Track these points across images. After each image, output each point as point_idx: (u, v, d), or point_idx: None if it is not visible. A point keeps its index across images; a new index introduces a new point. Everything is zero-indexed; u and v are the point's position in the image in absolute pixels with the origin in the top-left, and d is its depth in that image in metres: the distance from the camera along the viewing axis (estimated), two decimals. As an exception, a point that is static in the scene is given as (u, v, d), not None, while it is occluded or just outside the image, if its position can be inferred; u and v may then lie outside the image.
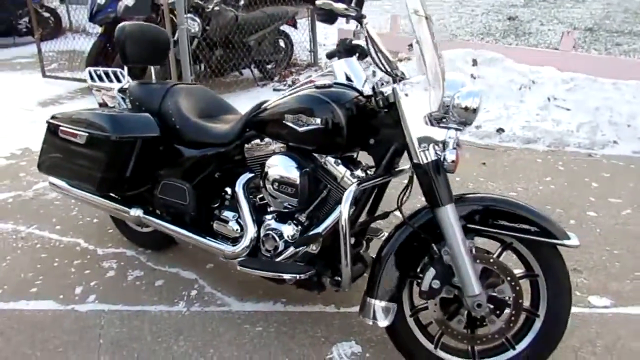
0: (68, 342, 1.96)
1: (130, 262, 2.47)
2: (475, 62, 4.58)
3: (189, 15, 5.03)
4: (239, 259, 1.92)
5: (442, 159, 1.51)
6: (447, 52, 4.67)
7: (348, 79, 1.81)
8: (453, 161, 1.48)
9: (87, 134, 2.06)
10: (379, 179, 1.71)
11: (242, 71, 6.06)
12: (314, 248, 1.81)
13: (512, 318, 1.62)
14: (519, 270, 1.67)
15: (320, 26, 6.56)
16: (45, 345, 1.94)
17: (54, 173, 2.35)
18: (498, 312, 1.62)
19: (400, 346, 1.74)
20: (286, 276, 1.80)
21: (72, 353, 1.90)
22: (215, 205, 2.13)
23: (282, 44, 6.31)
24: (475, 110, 1.50)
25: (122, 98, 2.33)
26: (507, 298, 1.62)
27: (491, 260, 1.62)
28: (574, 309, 1.67)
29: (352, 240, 1.86)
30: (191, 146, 2.11)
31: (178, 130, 2.12)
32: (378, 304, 1.65)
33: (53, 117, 2.23)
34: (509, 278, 1.61)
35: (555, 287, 1.63)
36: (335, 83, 1.80)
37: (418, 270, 1.69)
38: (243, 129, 1.99)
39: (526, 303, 1.65)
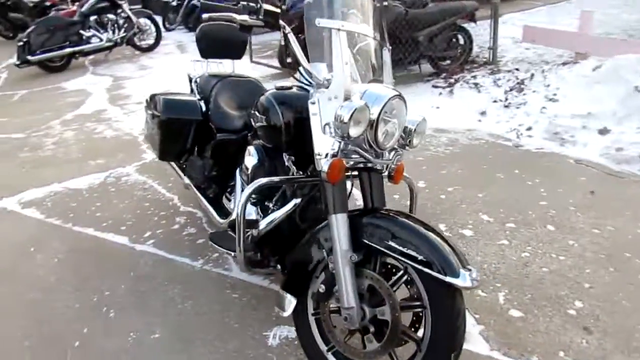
0: (108, 270, 2.56)
1: (194, 221, 3.00)
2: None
3: (354, 11, 5.33)
4: (211, 232, 2.22)
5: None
6: (615, 58, 3.93)
7: None
8: (325, 172, 1.50)
9: (151, 113, 2.63)
10: (279, 179, 1.84)
11: (419, 66, 6.11)
12: (255, 233, 1.99)
13: (389, 343, 1.54)
14: (405, 297, 1.57)
15: (503, 24, 6.09)
16: (93, 269, 2.59)
17: (148, 141, 3.01)
18: (379, 333, 1.57)
19: (300, 339, 1.80)
20: (231, 252, 2.03)
21: (103, 279, 2.49)
22: (231, 184, 2.46)
23: (460, 40, 6.10)
24: (348, 124, 1.46)
25: (196, 86, 2.83)
26: (386, 320, 1.55)
27: (377, 279, 1.56)
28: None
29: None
30: (217, 131, 2.47)
31: (209, 116, 2.50)
32: (283, 295, 1.76)
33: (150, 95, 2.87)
34: (390, 301, 1.53)
35: (441, 324, 1.48)
36: (298, 86, 1.91)
37: (316, 273, 1.72)
38: (247, 120, 2.26)
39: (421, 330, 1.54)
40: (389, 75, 1.86)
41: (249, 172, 1.99)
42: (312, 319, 1.76)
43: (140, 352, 1.99)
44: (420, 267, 1.45)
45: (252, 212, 2.08)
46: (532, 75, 4.68)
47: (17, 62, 7.76)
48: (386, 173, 1.76)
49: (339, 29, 1.58)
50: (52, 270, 2.60)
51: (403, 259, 1.49)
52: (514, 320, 2.00)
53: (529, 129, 3.98)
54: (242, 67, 2.49)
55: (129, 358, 1.96)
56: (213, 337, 2.03)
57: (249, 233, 2.03)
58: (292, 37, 1.74)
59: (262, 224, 1.95)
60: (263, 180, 1.76)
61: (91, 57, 8.85)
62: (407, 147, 1.78)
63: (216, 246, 2.12)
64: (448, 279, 1.40)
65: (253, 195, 2.11)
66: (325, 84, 1.61)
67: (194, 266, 2.55)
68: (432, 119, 4.46)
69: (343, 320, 1.57)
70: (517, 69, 5.15)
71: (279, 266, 1.97)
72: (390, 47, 1.89)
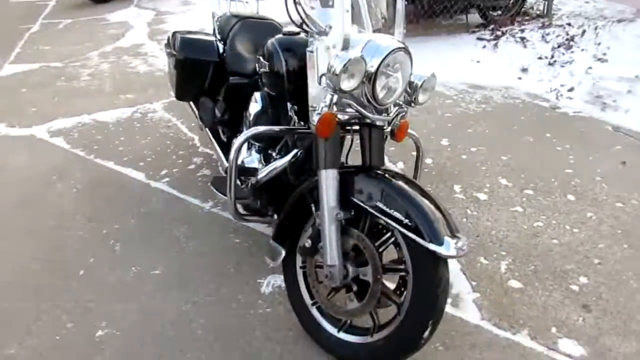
0: (121, 205, 2.63)
1: (209, 163, 3.01)
2: None
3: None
4: (214, 176, 2.22)
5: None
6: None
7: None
8: (314, 125, 1.44)
9: (168, 51, 2.60)
10: (277, 128, 1.79)
11: (466, 16, 5.77)
12: (253, 181, 1.97)
13: (368, 304, 1.53)
14: (393, 260, 1.53)
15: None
16: (107, 202, 2.67)
17: (169, 80, 3.00)
18: (360, 292, 1.56)
19: (287, 291, 1.82)
20: (224, 196, 2.03)
21: (115, 212, 2.57)
22: (241, 129, 2.44)
23: (514, -12, 5.68)
24: (340, 76, 1.38)
25: (217, 25, 2.75)
26: (368, 281, 1.53)
27: (362, 239, 1.53)
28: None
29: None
30: (230, 74, 2.42)
31: (224, 57, 2.45)
32: (273, 245, 1.76)
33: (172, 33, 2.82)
34: (373, 263, 1.51)
35: (421, 291, 1.45)
36: (305, 31, 1.82)
37: (305, 227, 1.70)
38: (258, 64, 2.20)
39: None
40: (400, 26, 1.74)
41: (251, 118, 1.95)
42: (299, 272, 1.76)
43: (139, 286, 2.06)
44: (404, 230, 1.40)
45: (254, 160, 2.06)
46: (584, 31, 4.34)
47: (64, -10, 7.84)
48: (389, 129, 1.68)
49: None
50: (70, 199, 2.70)
51: (389, 221, 1.44)
52: (511, 291, 1.94)
53: (571, 89, 3.73)
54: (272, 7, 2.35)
55: (127, 291, 2.04)
56: (209, 279, 2.07)
57: (249, 181, 2.02)
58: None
59: (262, 173, 1.92)
60: (259, 129, 1.72)
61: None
62: (412, 104, 1.68)
63: (215, 191, 2.13)
64: (431, 245, 1.35)
65: (257, 143, 2.09)
66: (327, 31, 1.52)
67: (202, 207, 2.58)
68: (469, 74, 4.27)
69: (324, 277, 1.55)
70: (569, 24, 4.78)
71: (275, 216, 1.96)
72: None
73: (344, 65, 1.37)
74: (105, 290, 2.05)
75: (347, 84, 1.41)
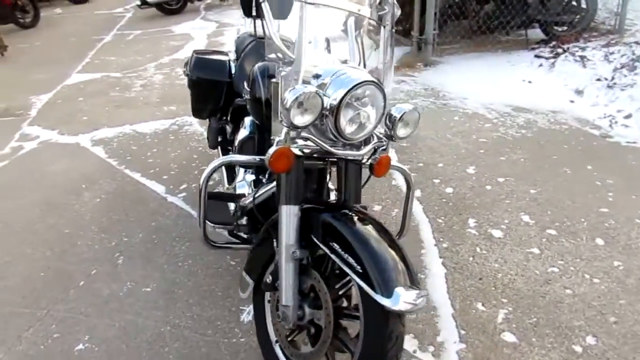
0: (135, 217, 2.71)
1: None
2: None
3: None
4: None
5: None
6: None
7: None
8: (267, 160, 1.38)
9: (184, 70, 2.65)
10: (245, 158, 1.73)
11: (526, 31, 5.46)
12: (240, 207, 1.93)
13: (320, 349, 1.44)
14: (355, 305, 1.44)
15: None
16: (123, 214, 2.75)
17: None
18: (316, 336, 1.47)
19: (255, 324, 1.76)
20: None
21: (127, 225, 2.64)
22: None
23: (582, 3, 5.28)
24: (290, 111, 1.31)
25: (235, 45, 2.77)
26: (322, 325, 1.44)
27: (318, 281, 1.45)
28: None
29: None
30: (236, 95, 2.42)
31: (232, 77, 2.45)
32: (244, 276, 1.72)
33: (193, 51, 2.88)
34: (326, 307, 1.42)
35: (370, 342, 1.34)
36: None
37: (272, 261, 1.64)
38: None
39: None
40: (386, 57, 1.64)
41: (236, 143, 1.93)
42: (267, 306, 1.70)
43: (128, 302, 2.09)
44: (355, 277, 1.31)
45: (244, 185, 2.04)
46: (652, 51, 3.93)
47: (139, 3, 8.33)
48: (368, 163, 1.60)
49: (304, 2, 1.40)
50: (90, 209, 2.82)
51: (343, 265, 1.35)
52: (503, 346, 1.76)
53: (628, 116, 3.38)
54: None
55: (117, 306, 2.08)
56: (194, 302, 2.07)
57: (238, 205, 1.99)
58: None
59: (248, 199, 1.89)
60: (229, 158, 1.72)
61: (208, 0, 9.20)
62: (393, 139, 1.59)
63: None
64: (377, 296, 1.25)
65: (249, 170, 2.06)
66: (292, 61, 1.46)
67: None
68: (517, 95, 4.01)
69: (277, 317, 1.49)
70: (638, 43, 4.35)
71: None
72: (393, 27, 1.65)
73: (295, 99, 1.30)
74: (97, 303, 2.10)
75: (300, 119, 1.34)
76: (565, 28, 5.31)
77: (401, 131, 1.56)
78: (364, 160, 1.58)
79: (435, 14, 4.77)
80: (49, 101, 4.62)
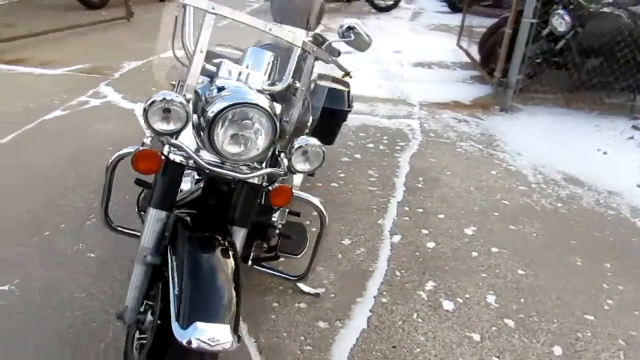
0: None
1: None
2: None
3: (559, 11, 4.40)
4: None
5: None
6: None
7: None
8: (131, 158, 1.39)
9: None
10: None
11: (634, 96, 4.81)
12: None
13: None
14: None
15: None
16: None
17: None
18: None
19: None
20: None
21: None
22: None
23: None
24: (147, 113, 1.30)
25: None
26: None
27: (158, 290, 1.43)
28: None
29: None
30: None
31: None
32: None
33: None
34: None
35: None
36: None
37: None
38: None
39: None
40: (303, 82, 1.58)
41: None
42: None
43: (69, 261, 2.23)
44: (170, 296, 1.27)
45: (188, 182, 2.06)
46: None
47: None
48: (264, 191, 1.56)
49: (206, 11, 1.39)
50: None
51: (170, 281, 1.32)
52: None
53: (695, 222, 2.83)
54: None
55: (60, 260, 2.23)
56: (121, 279, 2.14)
57: None
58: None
59: (180, 196, 1.92)
60: (125, 151, 1.73)
61: (332, 5, 9.38)
62: (292, 170, 1.52)
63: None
64: (173, 322, 1.20)
65: None
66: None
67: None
68: (580, 164, 3.58)
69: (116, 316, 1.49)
70: None
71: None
72: (315, 50, 1.57)
73: (150, 104, 1.30)
74: (47, 255, 2.27)
75: (159, 126, 1.33)
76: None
77: (299, 165, 1.49)
78: (261, 185, 1.53)
79: (523, 58, 4.39)
80: (135, 68, 5.04)
